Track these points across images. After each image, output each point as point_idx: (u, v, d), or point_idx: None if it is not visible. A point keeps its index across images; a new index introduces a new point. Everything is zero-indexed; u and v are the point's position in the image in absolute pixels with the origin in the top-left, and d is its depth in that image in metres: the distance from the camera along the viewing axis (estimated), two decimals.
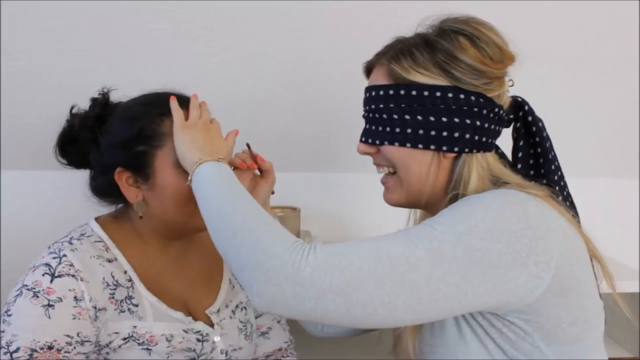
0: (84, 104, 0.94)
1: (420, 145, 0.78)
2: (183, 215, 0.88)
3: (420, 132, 0.77)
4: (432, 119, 0.77)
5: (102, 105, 0.93)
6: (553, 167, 0.84)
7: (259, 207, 0.74)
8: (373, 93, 0.81)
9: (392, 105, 0.78)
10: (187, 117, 0.86)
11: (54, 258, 0.83)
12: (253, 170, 0.95)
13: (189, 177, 0.80)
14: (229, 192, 0.75)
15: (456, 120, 0.76)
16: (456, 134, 0.77)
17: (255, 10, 1.17)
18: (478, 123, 0.77)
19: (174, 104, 0.87)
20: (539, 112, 0.85)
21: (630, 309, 0.81)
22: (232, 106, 1.30)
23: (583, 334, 0.71)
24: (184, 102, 0.89)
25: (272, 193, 0.99)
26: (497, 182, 0.78)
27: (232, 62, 1.26)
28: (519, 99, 0.84)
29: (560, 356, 0.70)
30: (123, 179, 0.88)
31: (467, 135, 0.77)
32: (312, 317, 0.66)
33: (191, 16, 1.16)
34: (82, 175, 0.95)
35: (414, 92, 0.77)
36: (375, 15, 1.20)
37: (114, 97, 0.96)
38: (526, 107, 0.84)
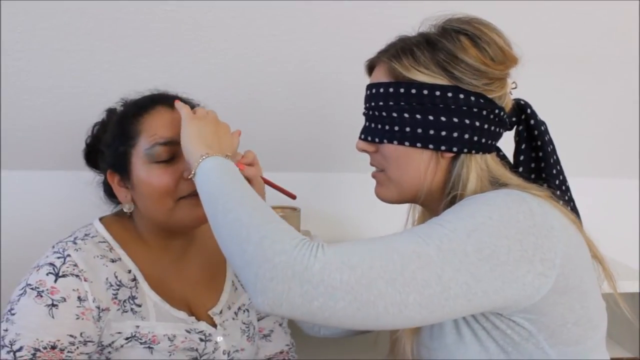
0: (83, 105, 0.95)
1: (418, 144, 0.77)
2: (162, 212, 0.87)
3: (419, 131, 0.77)
4: (431, 118, 0.76)
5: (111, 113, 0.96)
6: (554, 171, 0.84)
7: (265, 204, 0.72)
8: (373, 90, 0.81)
9: (391, 103, 0.78)
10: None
11: (58, 258, 0.83)
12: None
13: (192, 171, 0.77)
14: (235, 188, 0.73)
15: (455, 120, 0.76)
16: (455, 134, 0.76)
17: (255, 10, 1.17)
18: (477, 124, 0.77)
19: (178, 103, 0.87)
20: (539, 112, 0.84)
21: (630, 309, 0.81)
22: (232, 106, 1.30)
23: (586, 334, 0.71)
24: (172, 99, 0.90)
25: (294, 198, 0.96)
26: (496, 184, 0.78)
27: (232, 62, 1.26)
28: (522, 102, 0.84)
29: (564, 357, 0.70)
30: (115, 181, 0.90)
31: (466, 136, 0.76)
32: (319, 317, 0.63)
33: (191, 16, 1.16)
34: (82, 176, 0.95)
35: (413, 91, 0.76)
36: (375, 15, 1.20)
37: (114, 99, 0.97)
38: (528, 110, 0.83)
